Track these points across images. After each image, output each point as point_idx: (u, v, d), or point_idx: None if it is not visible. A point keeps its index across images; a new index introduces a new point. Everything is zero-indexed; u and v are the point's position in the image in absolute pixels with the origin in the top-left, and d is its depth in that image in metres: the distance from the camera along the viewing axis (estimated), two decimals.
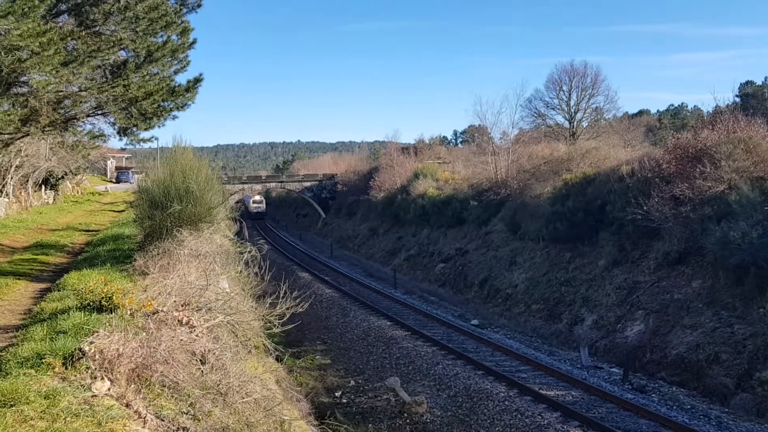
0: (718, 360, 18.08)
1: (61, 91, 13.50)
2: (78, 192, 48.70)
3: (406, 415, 15.98)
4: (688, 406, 15.85)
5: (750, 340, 17.87)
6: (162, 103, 15.84)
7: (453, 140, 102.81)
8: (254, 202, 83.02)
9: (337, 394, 17.90)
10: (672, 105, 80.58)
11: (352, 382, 18.84)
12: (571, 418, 13.77)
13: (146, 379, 6.33)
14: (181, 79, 16.45)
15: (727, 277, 20.14)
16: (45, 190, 39.47)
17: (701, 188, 22.72)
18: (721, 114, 27.11)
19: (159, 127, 16.38)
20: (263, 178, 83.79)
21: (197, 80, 16.06)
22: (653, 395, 16.67)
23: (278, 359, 12.74)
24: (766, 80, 61.38)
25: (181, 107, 16.33)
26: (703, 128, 25.93)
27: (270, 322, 9.28)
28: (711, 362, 18.19)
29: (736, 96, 52.80)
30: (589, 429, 13.09)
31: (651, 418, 13.99)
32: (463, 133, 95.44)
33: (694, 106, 71.60)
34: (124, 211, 31.44)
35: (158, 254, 10.94)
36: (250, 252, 11.13)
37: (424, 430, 15.16)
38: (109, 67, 14.39)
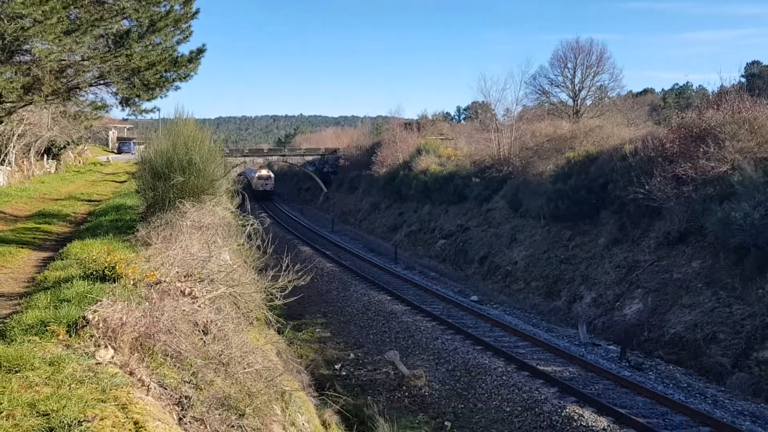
0: (716, 339, 18.20)
1: (64, 60, 13.44)
2: (80, 162, 48.67)
3: (404, 388, 16.15)
4: (685, 385, 16.00)
5: (748, 321, 17.97)
6: (164, 74, 15.78)
7: (456, 116, 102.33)
8: (259, 177, 71.76)
9: (336, 366, 18.07)
10: (677, 84, 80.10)
11: (352, 355, 19.01)
12: (568, 393, 13.91)
13: (149, 348, 6.39)
14: (184, 49, 16.36)
15: (727, 257, 20.19)
16: (47, 159, 39.43)
17: (704, 168, 22.66)
18: (726, 94, 26.92)
19: (161, 97, 16.34)
20: (265, 151, 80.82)
21: (200, 51, 15.98)
22: (650, 373, 16.82)
23: (279, 331, 12.83)
24: None
25: (184, 78, 16.26)
26: (707, 108, 25.77)
27: (271, 295, 9.34)
28: (709, 341, 18.32)
29: (742, 76, 52.49)
30: (585, 405, 13.23)
31: (647, 395, 14.14)
32: (466, 109, 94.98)
33: (699, 86, 71.23)
34: (125, 181, 31.45)
35: (161, 225, 10.96)
36: (252, 225, 11.16)
37: (423, 402, 15.33)
38: (112, 37, 14.32)
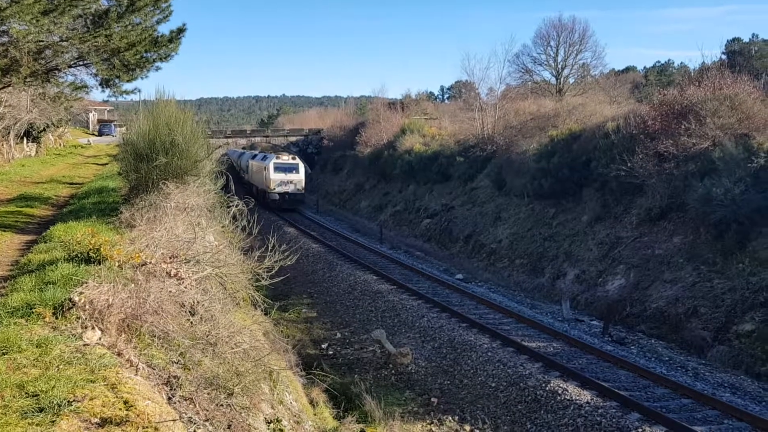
0: (697, 313, 18.51)
1: (42, 41, 13.24)
2: (60, 145, 48.08)
3: (391, 366, 16.30)
4: (666, 358, 16.29)
5: (728, 294, 18.28)
6: (145, 54, 15.60)
7: (440, 96, 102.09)
8: (278, 167, 42.55)
9: (323, 346, 18.18)
10: (659, 62, 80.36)
11: (339, 335, 19.12)
12: (552, 368, 14.12)
13: (136, 329, 6.42)
14: (164, 29, 16.21)
15: (708, 232, 20.46)
16: (27, 142, 38.91)
17: (685, 145, 22.86)
18: (707, 71, 27.13)
19: (142, 78, 16.17)
20: (248, 132, 79.54)
21: (180, 30, 15.80)
22: (632, 347, 17.09)
23: (266, 312, 12.88)
24: (753, 37, 61.25)
25: (164, 58, 16.09)
26: (689, 85, 25.96)
27: (258, 275, 9.36)
28: (690, 315, 18.62)
29: (723, 53, 52.75)
30: (569, 379, 13.45)
31: (630, 369, 14.38)
32: (450, 88, 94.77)
33: (681, 63, 71.49)
34: (107, 164, 31.16)
35: (144, 207, 10.92)
36: (237, 206, 11.15)
37: (409, 380, 15.49)
38: (91, 17, 14.11)
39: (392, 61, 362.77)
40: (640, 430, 11.12)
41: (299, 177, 43.28)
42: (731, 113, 22.79)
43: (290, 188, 42.52)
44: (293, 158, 44.25)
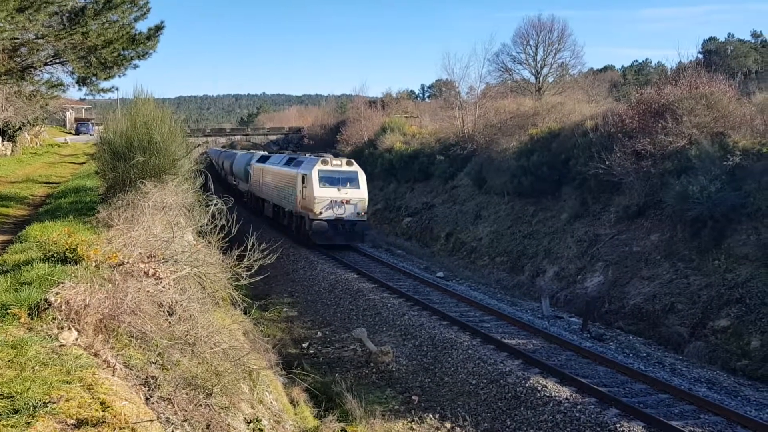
0: (674, 309, 18.75)
1: (17, 39, 13.07)
2: (36, 143, 47.46)
3: (372, 364, 16.31)
4: (644, 354, 16.47)
5: (705, 291, 18.54)
6: (122, 52, 15.50)
7: (420, 94, 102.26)
8: (326, 178, 26.80)
9: (304, 345, 18.13)
10: (636, 61, 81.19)
11: (319, 334, 19.08)
12: (532, 365, 14.21)
13: (114, 329, 6.36)
14: (142, 27, 16.11)
15: (684, 230, 20.72)
16: (2, 141, 38.36)
17: (662, 143, 23.15)
18: (684, 70, 27.47)
19: (119, 76, 16.07)
20: (228, 130, 79.13)
21: (158, 28, 15.71)
22: (611, 343, 17.26)
23: (245, 311, 12.82)
24: (728, 37, 62.12)
25: (142, 56, 16.00)
26: (666, 84, 26.28)
27: (237, 275, 9.32)
28: (667, 312, 18.86)
29: (699, 52, 53.37)
30: (549, 376, 13.54)
31: (608, 365, 14.52)
32: (430, 87, 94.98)
33: (658, 62, 72.33)
34: (84, 163, 30.82)
35: (122, 206, 10.83)
36: (216, 205, 11.09)
37: (390, 378, 15.51)
38: (67, 14, 13.97)
39: (373, 60, 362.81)
40: (618, 425, 11.24)
41: (360, 194, 26.89)
42: (707, 112, 23.11)
43: (347, 212, 26.51)
44: (348, 162, 28.08)
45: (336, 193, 26.61)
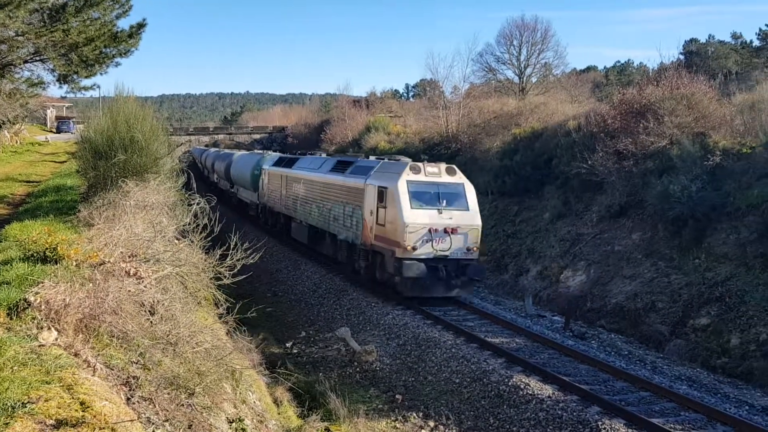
0: (655, 308, 18.92)
1: None
2: (17, 142, 46.88)
3: (356, 363, 16.31)
4: (626, 352, 16.61)
5: (685, 289, 18.73)
6: (104, 50, 15.37)
7: (405, 94, 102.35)
8: (418, 193, 18.10)
9: (287, 344, 18.09)
10: (619, 61, 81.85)
11: (303, 333, 19.05)
12: (515, 363, 14.28)
13: (94, 329, 6.31)
14: (124, 24, 15.96)
15: (665, 229, 20.93)
16: None
17: (644, 143, 23.36)
18: (665, 71, 27.73)
19: (101, 74, 15.95)
20: (211, 129, 78.58)
21: (140, 26, 15.60)
22: (592, 342, 17.39)
23: (228, 311, 12.77)
24: (709, 38, 62.76)
25: (124, 54, 15.88)
26: (647, 84, 26.51)
27: (220, 274, 9.27)
28: (648, 310, 19.03)
29: (681, 53, 53.89)
30: (531, 374, 13.62)
31: (590, 363, 14.63)
32: (414, 86, 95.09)
33: (640, 63, 72.85)
34: (66, 161, 30.51)
35: (103, 205, 10.74)
36: (198, 204, 11.02)
37: (374, 377, 15.52)
38: (47, 11, 13.84)
39: (357, 59, 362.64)
40: (599, 422, 11.33)
41: (470, 219, 18.59)
42: (688, 112, 23.35)
43: (453, 247, 18.09)
44: (449, 170, 19.34)
45: (436, 217, 17.94)
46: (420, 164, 18.88)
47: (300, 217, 26.40)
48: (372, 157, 23.97)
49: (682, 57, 49.41)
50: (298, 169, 27.20)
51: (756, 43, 61.96)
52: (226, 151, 48.12)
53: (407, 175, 18.25)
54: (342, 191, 21.74)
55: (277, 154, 34.19)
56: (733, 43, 62.08)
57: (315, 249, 25.28)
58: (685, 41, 61.29)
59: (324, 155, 28.86)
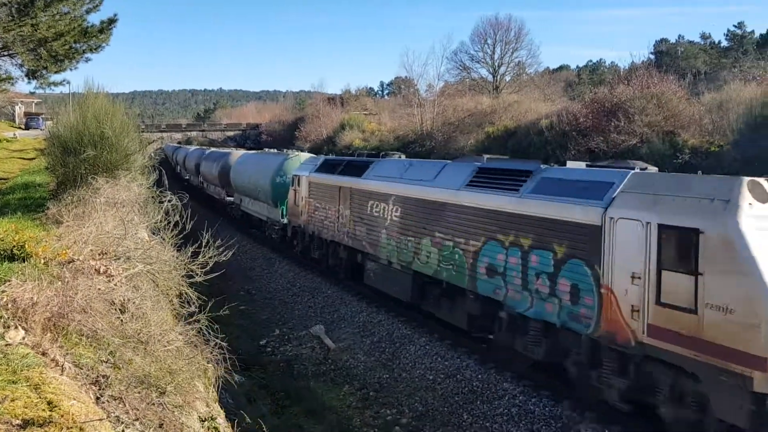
0: None
1: None
2: None
3: (330, 361, 16.30)
4: None
5: None
6: (74, 45, 15.16)
7: (380, 92, 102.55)
8: None
9: (261, 342, 18.02)
10: (591, 61, 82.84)
11: (277, 331, 18.98)
12: (488, 360, 14.37)
13: (63, 328, 6.23)
14: (94, 19, 15.75)
15: None
16: None
17: (615, 141, 23.71)
18: (636, 70, 28.19)
19: (71, 70, 15.74)
20: (183, 126, 77.89)
21: (111, 21, 15.41)
22: None
23: (201, 309, 12.68)
24: (679, 38, 63.79)
25: (95, 49, 15.69)
26: (619, 84, 26.95)
27: (192, 272, 9.20)
28: None
29: (651, 53, 54.76)
30: (504, 370, 13.73)
31: None
32: (389, 84, 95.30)
33: (612, 63, 73.84)
34: (34, 158, 30.00)
35: (72, 202, 10.59)
36: (170, 201, 10.92)
37: (348, 374, 15.52)
38: (16, 5, 13.60)
39: (332, 56, 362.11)
40: (571, 417, 11.46)
41: None
42: (658, 111, 23.76)
43: None
44: None
45: None
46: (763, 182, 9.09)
47: (388, 255, 17.85)
48: (574, 164, 14.12)
49: (652, 57, 50.24)
50: (379, 180, 18.44)
51: (724, 43, 63.20)
52: (220, 151, 42.72)
53: (747, 204, 8.75)
54: (522, 225, 12.53)
55: (320, 156, 25.43)
56: (702, 43, 63.20)
57: (426, 309, 16.70)
58: (656, 41, 62.31)
59: (436, 160, 20.36)
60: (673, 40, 63.31)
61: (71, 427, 4.10)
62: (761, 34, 60.64)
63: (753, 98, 21.63)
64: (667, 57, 54.34)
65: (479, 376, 13.58)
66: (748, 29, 62.76)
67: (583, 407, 11.32)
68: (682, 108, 23.89)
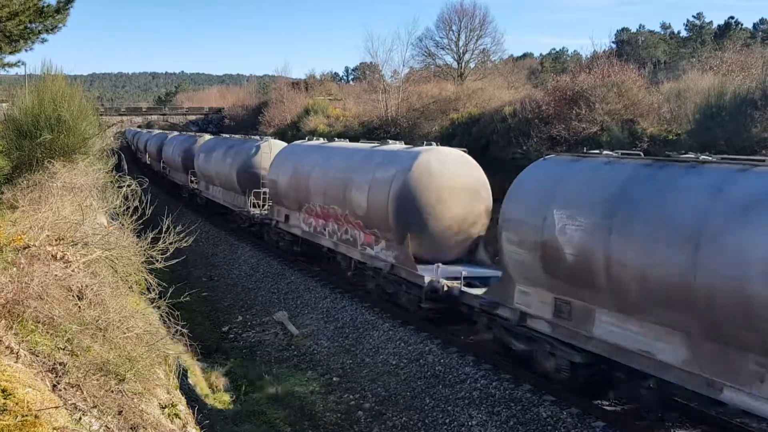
0: None
1: None
2: None
3: (293, 347, 16.30)
4: None
5: None
6: (29, 25, 14.68)
7: (344, 77, 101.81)
8: None
9: (224, 329, 17.93)
10: (554, 49, 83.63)
11: (240, 318, 18.88)
12: (451, 344, 14.55)
13: (18, 315, 6.10)
14: None
15: None
16: None
17: (576, 129, 23.99)
18: (597, 59, 28.53)
19: (26, 50, 15.25)
20: (144, 110, 76.32)
21: (68, 1, 14.96)
22: None
23: (161, 295, 12.54)
24: (640, 28, 64.74)
25: (51, 30, 15.21)
26: (580, 72, 27.22)
27: (152, 258, 9.08)
28: None
29: (613, 42, 55.43)
30: (466, 354, 13.91)
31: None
32: (354, 70, 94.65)
33: (574, 51, 74.61)
34: None
35: (28, 187, 10.35)
36: (129, 186, 10.73)
37: (312, 360, 15.54)
38: None
39: (296, 40, 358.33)
40: (530, 399, 11.69)
41: None
42: (618, 100, 24.09)
43: None
44: None
45: None
46: None
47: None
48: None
49: (613, 46, 50.87)
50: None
51: (684, 33, 64.38)
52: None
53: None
54: None
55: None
56: (662, 33, 64.27)
57: None
58: (617, 30, 63.12)
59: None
60: (634, 30, 64.28)
61: (26, 415, 4.04)
62: (719, 25, 61.95)
63: (710, 87, 22.07)
64: (628, 46, 55.09)
65: (442, 361, 13.73)
66: (707, 20, 64.11)
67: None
68: (642, 97, 24.26)
